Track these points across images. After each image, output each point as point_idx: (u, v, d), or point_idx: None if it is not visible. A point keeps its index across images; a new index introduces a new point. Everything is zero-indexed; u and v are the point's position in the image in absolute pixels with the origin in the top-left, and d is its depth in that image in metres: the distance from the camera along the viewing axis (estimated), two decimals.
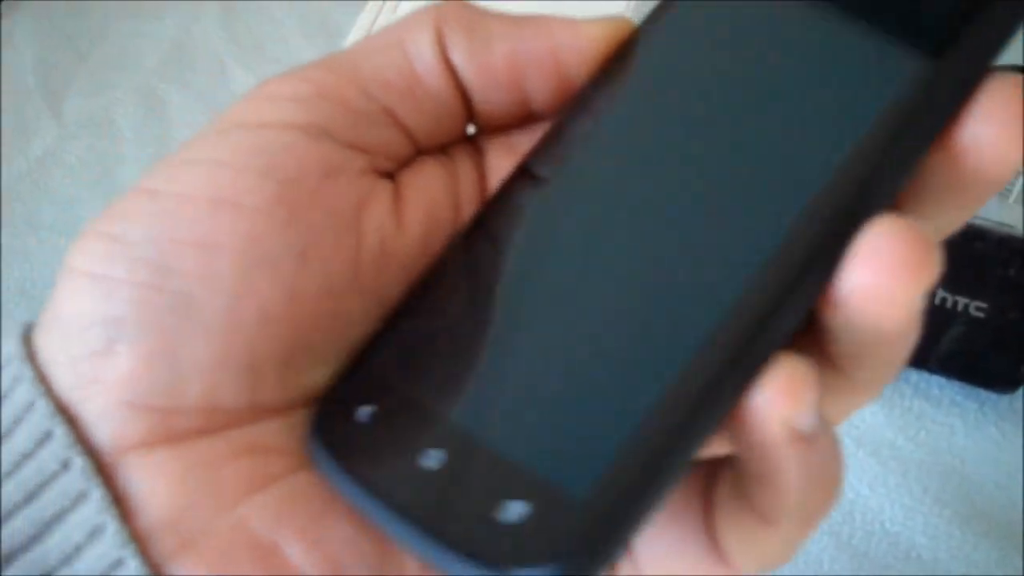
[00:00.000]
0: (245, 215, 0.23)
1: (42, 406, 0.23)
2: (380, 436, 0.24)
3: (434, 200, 0.26)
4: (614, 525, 0.21)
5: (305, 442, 0.24)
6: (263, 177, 0.24)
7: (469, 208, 0.27)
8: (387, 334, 0.25)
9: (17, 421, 0.23)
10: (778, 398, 0.20)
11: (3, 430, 0.23)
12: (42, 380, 0.23)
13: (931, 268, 0.20)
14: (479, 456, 0.23)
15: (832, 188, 0.23)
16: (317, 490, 0.24)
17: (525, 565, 0.21)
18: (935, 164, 0.22)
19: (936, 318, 0.51)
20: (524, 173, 0.26)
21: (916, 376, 0.54)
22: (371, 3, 0.59)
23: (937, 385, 0.54)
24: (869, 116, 0.23)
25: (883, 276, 0.20)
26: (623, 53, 0.26)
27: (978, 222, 0.50)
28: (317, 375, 0.25)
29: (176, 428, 0.23)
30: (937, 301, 0.51)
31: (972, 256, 0.50)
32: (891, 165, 0.22)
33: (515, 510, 0.22)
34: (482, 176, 0.27)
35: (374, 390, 0.24)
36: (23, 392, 0.23)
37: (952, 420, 0.52)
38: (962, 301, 0.50)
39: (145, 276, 0.23)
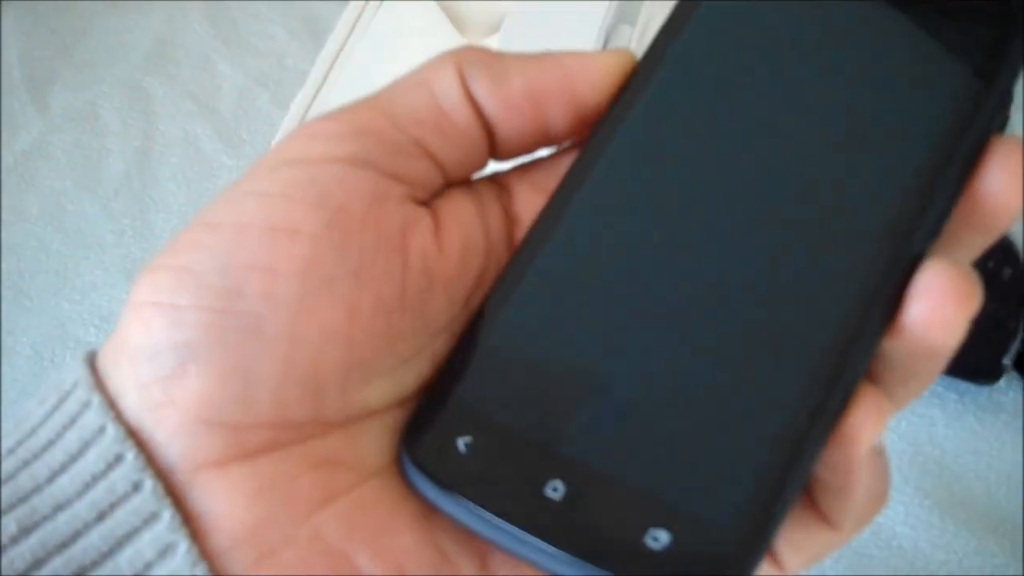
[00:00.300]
0: (302, 240, 0.25)
1: (112, 430, 0.24)
2: (492, 467, 0.25)
3: (468, 226, 0.28)
4: (754, 547, 0.23)
5: (401, 466, 0.26)
6: (316, 205, 0.25)
7: (497, 234, 0.29)
8: (469, 359, 0.27)
9: (87, 444, 0.24)
10: (869, 420, 0.24)
11: (74, 452, 0.24)
12: (112, 406, 0.24)
13: (976, 298, 0.24)
14: (605, 486, 0.24)
15: (899, 223, 0.25)
16: (381, 502, 0.26)
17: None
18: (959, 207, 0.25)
19: None
20: (584, 188, 0.28)
21: None
22: (354, 2, 0.59)
23: None
24: (927, 143, 0.26)
25: (941, 308, 0.24)
26: (644, 76, 0.28)
27: None
28: (374, 390, 0.26)
29: (248, 445, 0.25)
30: None
31: None
32: (947, 194, 0.25)
33: (661, 538, 0.23)
34: (506, 205, 0.29)
35: (472, 421, 0.26)
36: (92, 417, 0.24)
37: (933, 412, 0.53)
38: None
39: (213, 301, 0.25)
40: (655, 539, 0.23)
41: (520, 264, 0.27)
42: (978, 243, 0.26)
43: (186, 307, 0.25)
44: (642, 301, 0.26)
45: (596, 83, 0.28)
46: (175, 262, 0.25)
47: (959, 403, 0.53)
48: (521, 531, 0.24)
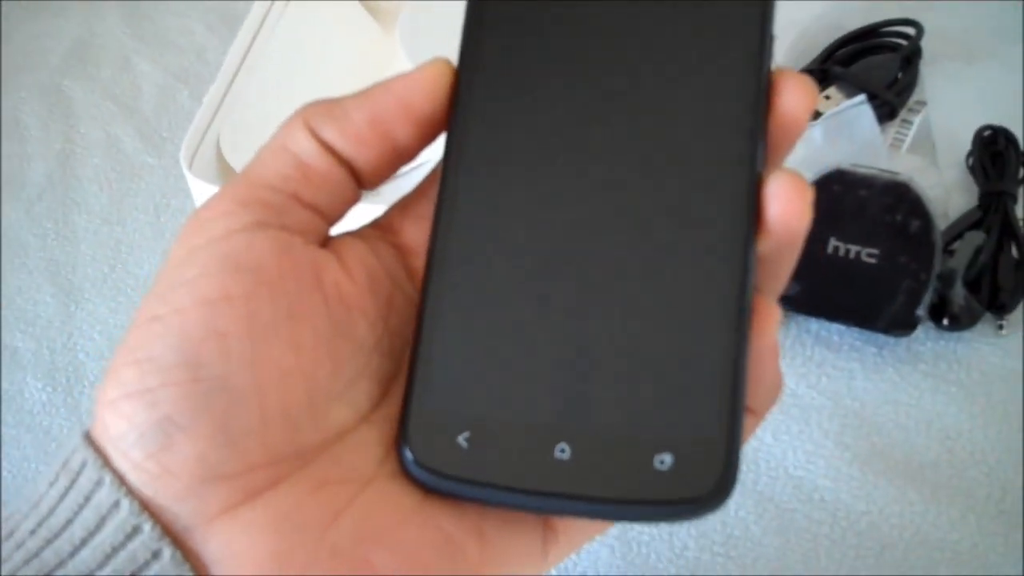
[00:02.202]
0: (237, 302, 0.28)
1: (127, 504, 0.27)
2: (499, 451, 0.29)
3: (366, 259, 0.32)
4: (733, 444, 0.28)
5: (408, 473, 0.29)
6: (236, 271, 0.29)
7: (392, 263, 0.32)
8: (434, 364, 0.30)
9: (104, 519, 0.27)
10: (773, 316, 0.29)
11: (92, 527, 0.27)
12: (122, 482, 0.27)
13: (808, 187, 0.29)
14: (605, 433, 0.29)
15: (743, 156, 0.30)
16: (380, 505, 0.29)
17: (704, 491, 0.28)
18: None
19: (830, 267, 0.52)
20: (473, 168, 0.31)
21: (816, 325, 0.55)
22: (259, 3, 0.59)
23: (836, 332, 0.55)
24: (738, 90, 0.30)
25: (792, 202, 0.29)
26: (468, 75, 0.31)
27: (863, 170, 0.52)
28: (337, 413, 0.30)
29: (249, 488, 0.28)
30: (829, 250, 0.52)
31: (860, 204, 0.52)
32: (762, 123, 0.30)
33: (667, 460, 0.28)
34: (393, 241, 0.33)
35: (461, 418, 0.29)
36: (106, 493, 0.27)
37: (852, 365, 0.54)
38: (854, 249, 0.52)
39: (178, 376, 0.27)
40: (661, 462, 0.28)
41: (439, 268, 0.30)
42: (784, 154, 0.31)
43: (156, 388, 0.27)
44: (560, 268, 0.30)
45: (427, 94, 0.31)
46: (132, 358, 0.28)
47: (878, 356, 0.54)
48: (549, 497, 0.29)
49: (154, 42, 0.71)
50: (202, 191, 0.53)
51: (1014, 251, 0.56)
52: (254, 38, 0.59)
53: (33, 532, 0.28)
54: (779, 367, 0.30)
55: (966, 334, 0.55)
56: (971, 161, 0.60)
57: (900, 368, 0.54)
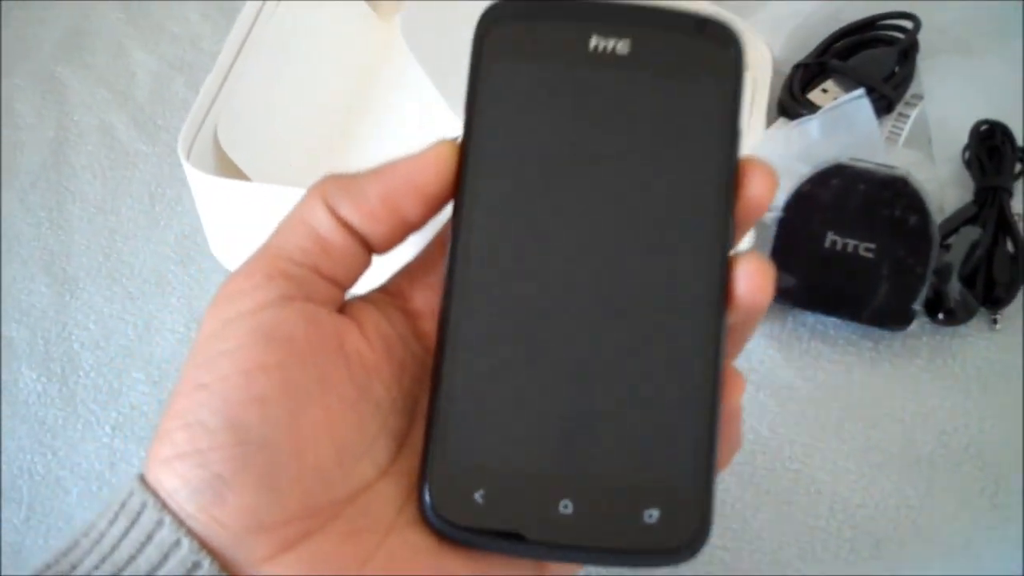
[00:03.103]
0: (273, 372, 0.32)
1: (187, 543, 0.31)
2: (510, 507, 0.33)
3: (380, 325, 0.35)
4: (709, 497, 0.33)
5: (431, 525, 0.33)
6: (269, 343, 0.32)
7: (402, 327, 0.36)
8: (450, 427, 0.33)
9: (166, 556, 0.31)
10: (739, 385, 0.34)
11: (155, 562, 0.31)
12: (182, 523, 0.31)
13: (773, 272, 0.34)
14: (601, 490, 0.33)
15: (717, 240, 0.34)
16: (402, 550, 0.33)
17: (684, 541, 0.33)
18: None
19: (827, 261, 0.52)
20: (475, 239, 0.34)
21: (812, 319, 0.55)
22: (251, 2, 0.59)
23: (833, 326, 0.55)
24: (711, 178, 0.35)
25: (759, 280, 0.34)
26: (473, 153, 0.35)
27: (861, 164, 0.52)
28: (363, 468, 0.34)
29: (289, 537, 0.32)
30: (827, 244, 0.52)
31: (858, 198, 0.52)
32: (730, 208, 0.34)
33: (654, 514, 0.33)
34: (401, 306, 0.37)
35: (478, 476, 0.33)
36: (167, 533, 0.31)
37: (848, 359, 0.54)
38: (851, 243, 0.52)
39: (226, 439, 0.31)
40: (650, 516, 0.33)
41: (451, 336, 0.34)
42: (746, 232, 0.36)
43: (207, 450, 0.31)
44: (561, 339, 0.34)
45: (434, 174, 0.34)
46: (182, 422, 0.31)
47: (874, 350, 0.54)
48: (553, 547, 0.33)
49: (149, 30, 0.71)
50: (199, 181, 0.53)
51: (1009, 246, 0.56)
52: (251, 27, 0.58)
53: (98, 567, 0.31)
54: (740, 427, 0.35)
55: (961, 329, 0.55)
56: (967, 156, 0.61)
57: (896, 362, 0.54)
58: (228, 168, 0.56)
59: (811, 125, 0.57)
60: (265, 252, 0.35)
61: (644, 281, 0.34)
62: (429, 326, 0.36)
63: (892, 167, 0.52)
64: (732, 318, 0.34)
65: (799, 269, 0.53)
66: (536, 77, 0.35)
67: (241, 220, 0.53)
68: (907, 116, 0.63)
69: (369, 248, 0.35)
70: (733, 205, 0.35)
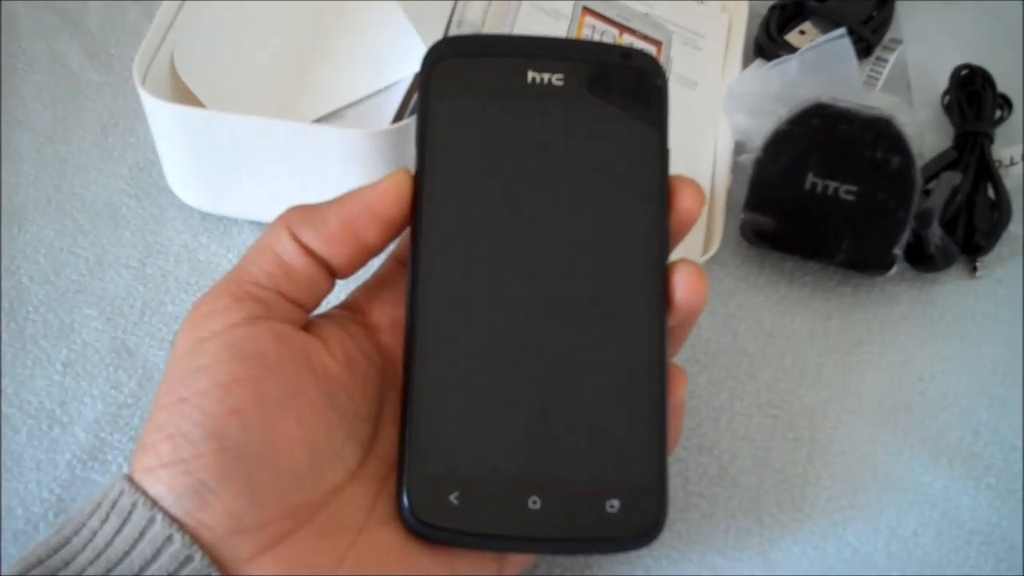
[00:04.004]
0: (247, 385, 0.35)
1: (179, 538, 0.33)
2: (483, 507, 0.36)
3: (343, 340, 0.38)
4: (664, 486, 0.36)
5: (410, 527, 0.36)
6: (243, 359, 0.35)
7: (363, 341, 0.39)
8: (421, 435, 0.36)
9: (159, 551, 0.33)
10: (683, 381, 0.38)
11: (149, 557, 0.33)
12: (173, 519, 0.33)
13: (707, 279, 0.38)
14: (566, 485, 0.36)
15: (655, 250, 0.38)
16: (375, 550, 0.35)
17: (644, 527, 0.36)
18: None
19: (806, 203, 0.51)
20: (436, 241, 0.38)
21: (790, 263, 0.54)
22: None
23: (811, 271, 0.54)
24: (647, 192, 0.38)
25: (696, 285, 0.38)
26: (428, 179, 0.38)
27: (843, 104, 0.50)
28: (333, 471, 0.36)
29: (269, 538, 0.34)
30: (807, 186, 0.51)
31: (839, 139, 0.50)
32: (665, 219, 0.38)
33: (616, 504, 0.36)
34: (361, 321, 0.40)
35: (451, 480, 0.36)
36: (159, 528, 0.33)
37: (827, 305, 0.53)
38: (832, 185, 0.50)
39: (206, 448, 0.34)
40: (612, 506, 0.36)
41: (419, 351, 0.37)
42: (678, 243, 0.39)
43: (190, 459, 0.33)
44: (519, 349, 0.37)
45: (391, 201, 0.37)
46: (165, 434, 0.34)
47: (852, 296, 0.53)
48: (524, 541, 0.36)
49: None
50: (155, 108, 0.50)
51: (990, 192, 0.55)
52: None
53: (92, 562, 0.33)
54: (683, 419, 0.40)
55: (941, 276, 0.54)
56: (947, 101, 0.60)
57: (875, 308, 0.53)
58: (184, 97, 0.54)
59: (790, 65, 0.56)
60: (233, 277, 0.37)
61: (591, 292, 0.37)
62: (388, 339, 0.40)
63: (875, 108, 0.50)
64: (672, 321, 0.38)
65: (777, 212, 0.52)
66: (480, 109, 0.38)
67: (198, 150, 0.51)
68: (886, 60, 0.61)
69: (331, 272, 0.38)
70: (667, 218, 0.38)
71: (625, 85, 0.39)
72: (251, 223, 0.55)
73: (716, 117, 0.58)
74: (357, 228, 0.37)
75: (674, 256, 0.39)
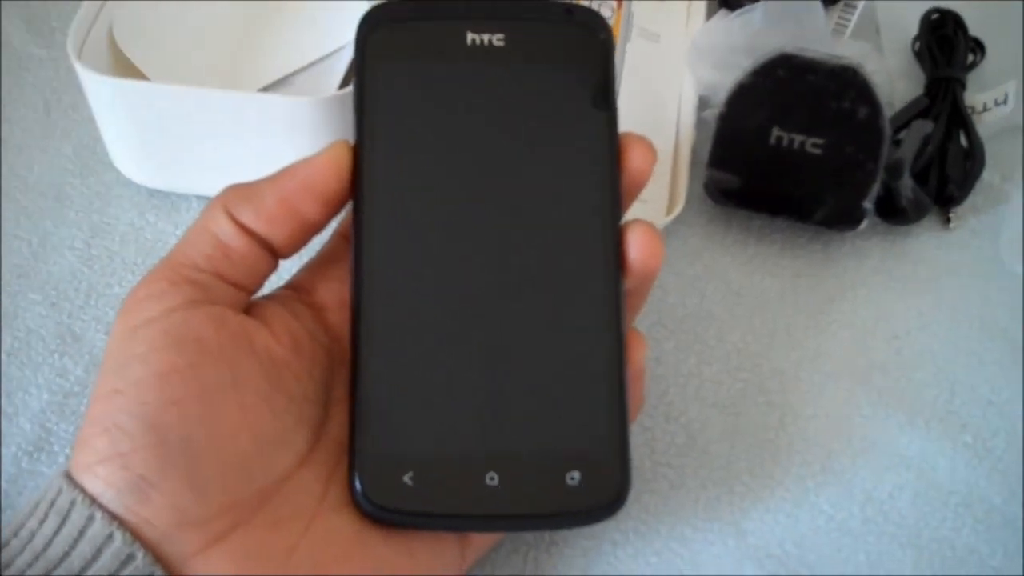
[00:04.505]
0: (185, 373, 0.33)
1: (119, 536, 0.31)
2: (439, 485, 0.34)
3: (287, 321, 0.37)
4: (625, 457, 0.35)
5: (364, 511, 0.35)
6: (180, 346, 0.33)
7: (309, 320, 0.38)
8: (370, 415, 0.35)
9: (99, 550, 0.31)
10: (642, 347, 0.37)
11: (89, 557, 0.31)
12: (113, 517, 0.32)
13: (661, 238, 0.36)
14: (524, 459, 0.35)
15: (608, 212, 0.37)
16: (328, 537, 0.34)
17: (608, 498, 0.35)
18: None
19: (773, 158, 0.49)
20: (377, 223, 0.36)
21: (757, 221, 0.52)
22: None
23: (779, 228, 0.52)
24: (596, 142, 0.37)
25: (649, 246, 0.36)
26: (367, 152, 0.37)
27: (808, 54, 0.48)
28: (282, 458, 0.35)
29: (216, 530, 0.33)
30: (772, 140, 0.49)
31: (805, 90, 0.48)
32: (616, 179, 0.37)
33: (576, 476, 0.35)
34: (306, 300, 0.38)
35: (403, 460, 0.35)
36: (99, 527, 0.31)
37: (796, 263, 0.51)
38: (798, 138, 0.49)
39: (145, 441, 0.32)
40: (572, 478, 0.35)
41: (364, 329, 0.36)
42: (631, 202, 0.38)
43: (128, 452, 0.32)
44: (468, 319, 0.36)
45: (330, 174, 0.36)
46: (100, 428, 0.32)
47: (822, 252, 0.51)
48: (484, 519, 0.35)
49: None
50: (94, 82, 0.48)
51: (963, 140, 0.53)
52: None
53: (31, 564, 0.31)
54: (643, 386, 0.38)
55: (913, 228, 0.52)
56: (917, 46, 0.58)
57: (846, 264, 0.51)
58: (126, 70, 0.52)
59: (754, 15, 0.54)
60: (169, 260, 0.36)
61: (542, 258, 0.36)
62: (335, 318, 0.38)
63: (841, 56, 0.49)
64: (628, 284, 0.37)
65: (742, 168, 0.50)
66: (419, 74, 0.37)
67: (141, 125, 0.49)
68: (854, 6, 0.59)
69: (273, 252, 0.37)
70: (618, 178, 0.37)
71: (568, 42, 0.38)
72: (199, 198, 0.53)
73: (680, 71, 0.56)
74: (295, 204, 0.36)
75: (640, 217, 0.37)
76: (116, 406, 0.33)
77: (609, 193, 0.37)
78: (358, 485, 0.34)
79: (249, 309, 0.37)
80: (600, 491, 0.35)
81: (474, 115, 0.37)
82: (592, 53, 0.38)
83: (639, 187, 0.38)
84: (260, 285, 0.38)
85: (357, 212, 0.36)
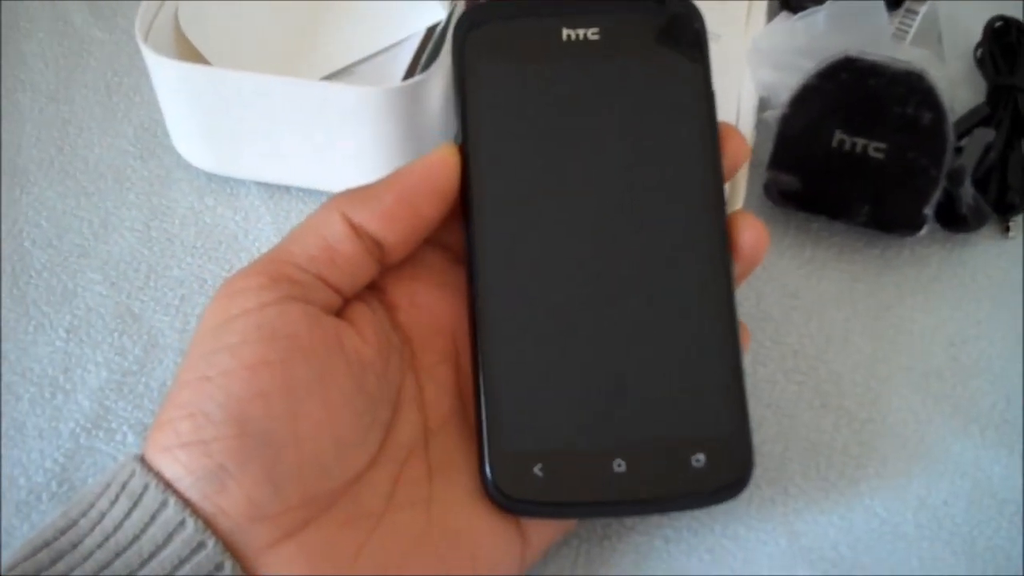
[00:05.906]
0: (275, 368, 0.33)
1: (191, 523, 0.31)
2: (568, 474, 0.35)
3: (373, 322, 0.37)
4: (747, 436, 0.36)
5: (497, 503, 0.36)
6: (272, 341, 0.34)
7: (382, 316, 0.38)
8: (498, 415, 0.36)
9: (170, 536, 0.31)
10: (746, 333, 0.38)
11: (160, 542, 0.31)
12: (187, 504, 0.32)
13: (767, 233, 0.38)
14: (649, 444, 0.36)
15: (715, 201, 0.38)
16: (394, 538, 0.35)
17: (733, 478, 0.36)
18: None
19: (834, 162, 0.49)
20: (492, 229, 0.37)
21: (817, 224, 0.52)
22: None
23: (838, 232, 0.52)
24: (699, 129, 0.38)
25: (758, 233, 0.38)
26: (476, 151, 0.38)
27: (872, 57, 0.48)
28: (357, 457, 0.35)
29: (288, 526, 0.33)
30: (834, 143, 0.49)
31: (868, 95, 0.48)
32: (720, 169, 0.38)
33: (701, 459, 0.36)
34: (380, 299, 0.39)
35: (533, 452, 0.36)
36: (171, 513, 0.32)
37: (854, 267, 0.51)
38: (860, 142, 0.48)
39: (229, 431, 0.32)
40: (697, 461, 0.36)
41: (484, 326, 0.36)
42: (729, 181, 0.39)
43: (211, 440, 0.32)
44: (589, 316, 0.36)
45: (446, 171, 0.37)
46: (186, 412, 0.33)
47: (881, 258, 0.51)
48: (614, 504, 0.36)
49: None
50: (159, 66, 0.48)
51: None
52: None
53: (101, 545, 0.31)
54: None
55: (972, 236, 0.52)
56: (980, 54, 0.57)
57: (904, 271, 0.51)
58: (189, 55, 0.52)
59: (817, 17, 0.53)
60: (273, 256, 0.36)
61: (655, 249, 0.37)
62: (405, 317, 0.39)
63: (905, 61, 0.48)
64: (738, 266, 0.38)
65: (803, 170, 0.50)
66: (518, 72, 0.38)
67: (203, 110, 0.49)
68: (916, 12, 0.59)
69: (381, 256, 0.37)
70: (721, 167, 0.37)
71: (663, 32, 0.38)
72: (258, 184, 0.53)
73: (740, 72, 0.56)
74: (414, 201, 0.37)
75: None
76: (204, 393, 0.33)
77: (715, 181, 0.37)
78: (490, 478, 0.35)
79: (338, 310, 0.37)
80: (725, 471, 0.36)
81: (576, 110, 0.37)
82: (687, 41, 0.38)
83: (732, 175, 0.39)
84: (356, 292, 0.38)
85: (467, 211, 0.37)
